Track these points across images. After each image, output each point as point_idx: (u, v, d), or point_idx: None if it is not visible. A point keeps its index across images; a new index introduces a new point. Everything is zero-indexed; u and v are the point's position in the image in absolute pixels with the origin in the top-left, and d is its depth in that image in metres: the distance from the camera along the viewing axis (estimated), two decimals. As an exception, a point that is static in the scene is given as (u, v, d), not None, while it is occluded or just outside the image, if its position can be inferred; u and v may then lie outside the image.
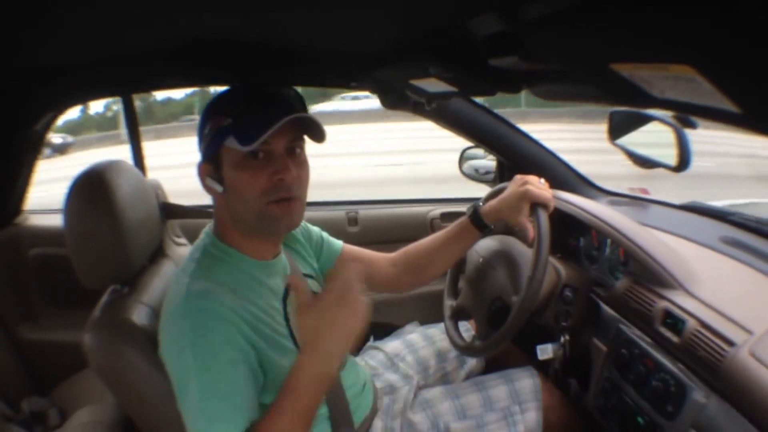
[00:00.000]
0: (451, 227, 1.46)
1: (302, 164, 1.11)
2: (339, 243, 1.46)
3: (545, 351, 1.49)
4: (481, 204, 1.42)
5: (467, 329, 1.69)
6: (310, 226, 1.41)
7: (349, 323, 0.96)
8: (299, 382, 0.96)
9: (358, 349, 1.67)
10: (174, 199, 1.53)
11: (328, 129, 1.10)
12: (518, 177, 1.38)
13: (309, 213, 1.17)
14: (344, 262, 1.01)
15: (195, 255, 1.10)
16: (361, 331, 0.99)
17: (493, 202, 1.39)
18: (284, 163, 1.05)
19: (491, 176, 2.22)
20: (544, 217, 1.30)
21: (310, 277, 1.31)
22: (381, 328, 1.85)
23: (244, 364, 0.99)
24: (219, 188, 1.07)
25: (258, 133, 0.99)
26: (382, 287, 1.56)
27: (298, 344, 1.12)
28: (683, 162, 1.51)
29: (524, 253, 1.44)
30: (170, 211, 1.50)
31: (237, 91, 1.11)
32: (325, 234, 1.44)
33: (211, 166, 1.07)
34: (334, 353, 0.97)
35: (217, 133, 1.04)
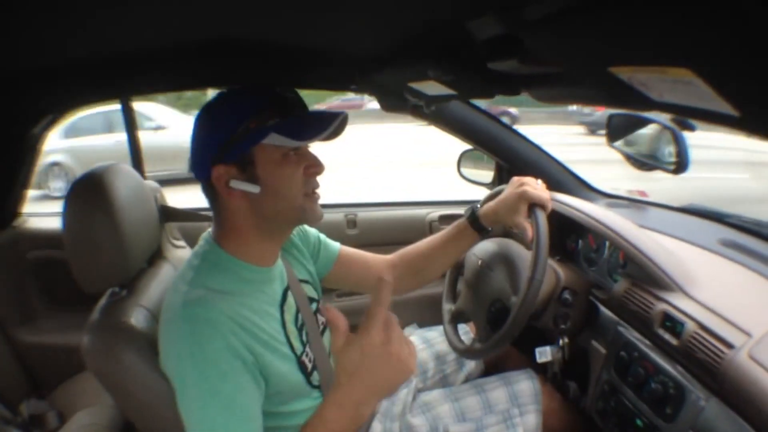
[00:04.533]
0: (448, 229, 1.45)
1: None
2: (336, 245, 1.45)
3: (544, 354, 1.49)
4: (478, 206, 1.42)
5: (466, 332, 1.69)
6: (307, 228, 1.40)
7: (393, 370, 0.88)
8: (322, 423, 0.93)
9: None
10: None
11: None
12: (515, 179, 1.38)
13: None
14: (380, 287, 0.89)
15: (194, 262, 1.09)
16: (399, 383, 0.91)
17: (490, 204, 1.39)
18: (316, 158, 1.10)
19: (489, 177, 2.23)
20: (542, 217, 1.30)
21: (306, 282, 1.30)
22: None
23: (244, 372, 0.98)
24: (255, 188, 1.03)
25: (316, 129, 1.02)
26: None
27: (295, 351, 1.12)
28: (681, 165, 1.52)
29: (523, 254, 1.44)
30: (169, 214, 1.50)
31: (267, 91, 1.07)
32: (322, 236, 1.43)
33: (235, 168, 1.03)
34: (366, 400, 0.91)
35: (255, 132, 1.01)
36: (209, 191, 1.09)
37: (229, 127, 1.02)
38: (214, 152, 1.03)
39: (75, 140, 9.25)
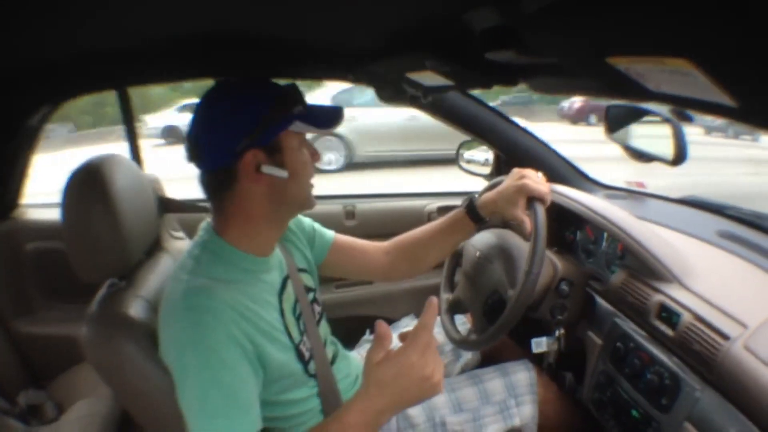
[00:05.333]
0: (446, 218, 1.45)
1: None
2: (331, 233, 1.45)
3: (540, 344, 1.49)
4: (477, 197, 1.42)
5: (463, 323, 1.69)
6: (301, 216, 1.41)
7: (422, 389, 0.94)
8: (342, 427, 0.95)
9: (353, 344, 1.68)
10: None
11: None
12: (516, 170, 1.37)
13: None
14: (427, 309, 0.97)
15: (194, 252, 1.09)
16: (423, 400, 0.98)
17: (489, 194, 1.38)
18: (314, 146, 1.15)
19: (488, 168, 2.22)
20: (541, 211, 1.29)
21: (304, 271, 1.31)
22: (377, 322, 1.86)
23: (244, 361, 0.99)
24: (283, 173, 1.06)
25: (330, 119, 1.11)
26: (375, 276, 1.56)
27: (293, 340, 1.12)
28: (680, 156, 1.51)
29: (521, 246, 1.44)
30: (167, 205, 1.50)
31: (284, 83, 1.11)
32: (316, 224, 1.44)
33: (263, 153, 1.04)
34: (388, 411, 0.95)
35: (284, 119, 1.05)
36: (225, 178, 1.06)
37: (256, 112, 1.03)
38: (242, 137, 1.02)
39: (351, 110, 8.61)
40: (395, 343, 0.98)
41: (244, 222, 1.10)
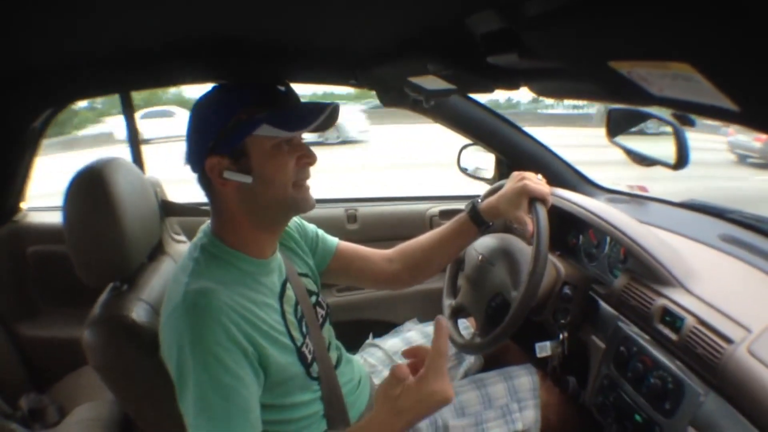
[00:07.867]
0: (449, 224, 1.45)
1: None
2: (334, 240, 1.45)
3: (543, 348, 1.49)
4: (479, 201, 1.42)
5: (466, 327, 1.69)
6: (305, 223, 1.41)
7: (437, 406, 0.98)
8: None
9: (356, 347, 1.68)
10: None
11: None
12: (516, 173, 1.38)
13: (307, 210, 1.17)
14: (438, 333, 0.99)
15: (194, 254, 1.10)
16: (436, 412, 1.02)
17: (491, 198, 1.39)
18: (309, 149, 1.11)
19: (490, 172, 2.22)
20: (542, 211, 1.30)
21: (306, 276, 1.30)
22: (380, 326, 1.86)
23: (244, 363, 0.99)
24: (247, 179, 1.04)
25: (307, 120, 1.03)
26: (379, 284, 1.56)
27: (295, 342, 1.12)
28: (682, 160, 1.51)
29: (523, 249, 1.44)
30: (169, 209, 1.50)
31: (259, 85, 1.09)
32: (320, 231, 1.44)
33: (228, 159, 1.04)
34: (404, 430, 0.99)
35: (247, 123, 1.02)
36: (204, 183, 1.10)
37: (221, 118, 1.04)
38: (207, 144, 1.04)
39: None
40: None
41: (232, 224, 1.11)
